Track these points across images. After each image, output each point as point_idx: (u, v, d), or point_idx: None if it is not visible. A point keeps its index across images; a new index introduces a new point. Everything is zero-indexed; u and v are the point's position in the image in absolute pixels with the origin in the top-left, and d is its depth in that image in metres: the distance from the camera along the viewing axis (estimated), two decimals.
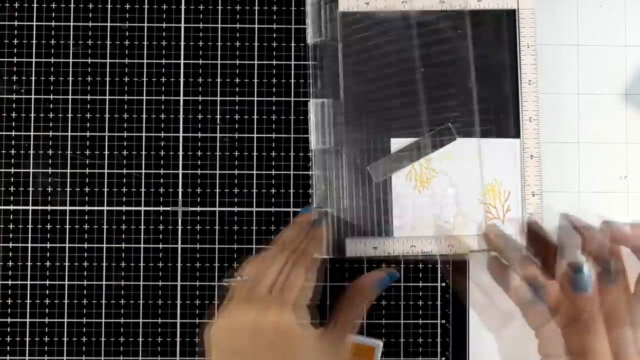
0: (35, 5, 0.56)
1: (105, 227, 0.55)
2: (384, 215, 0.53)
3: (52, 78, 0.55)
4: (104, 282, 0.55)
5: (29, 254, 0.55)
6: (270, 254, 0.48)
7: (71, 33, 0.56)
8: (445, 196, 0.53)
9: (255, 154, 0.56)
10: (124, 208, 0.55)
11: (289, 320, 0.44)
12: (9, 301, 0.55)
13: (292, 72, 0.56)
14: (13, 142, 0.55)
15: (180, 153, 0.55)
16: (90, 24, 0.55)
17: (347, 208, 0.54)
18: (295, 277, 0.46)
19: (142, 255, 0.55)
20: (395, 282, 0.55)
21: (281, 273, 0.46)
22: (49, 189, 0.55)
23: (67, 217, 0.55)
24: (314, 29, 0.55)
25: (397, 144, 0.54)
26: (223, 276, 0.55)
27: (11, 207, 0.55)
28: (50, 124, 0.55)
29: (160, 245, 0.55)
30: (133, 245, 0.55)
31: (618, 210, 0.55)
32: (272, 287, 0.46)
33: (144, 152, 0.55)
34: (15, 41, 0.55)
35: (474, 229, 0.53)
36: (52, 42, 0.55)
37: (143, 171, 0.55)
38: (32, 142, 0.55)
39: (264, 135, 0.56)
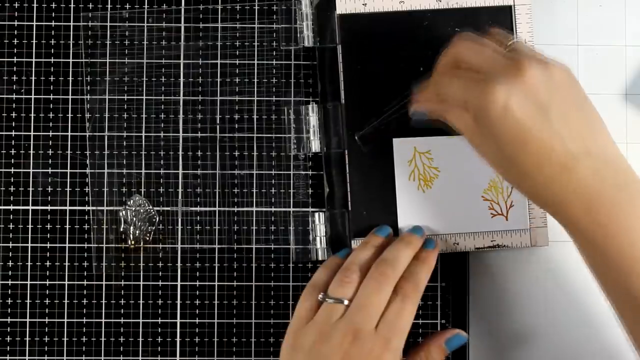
0: (35, 5, 0.56)
1: (105, 227, 0.55)
2: (390, 216, 0.53)
3: (52, 78, 0.55)
4: (104, 282, 0.55)
5: (29, 254, 0.55)
6: (376, 276, 0.45)
7: (71, 33, 0.56)
8: (449, 195, 0.53)
9: (255, 154, 0.56)
10: (123, 208, 0.55)
11: None
12: (9, 301, 0.55)
13: (292, 72, 0.56)
14: (13, 142, 0.55)
15: (180, 153, 0.55)
16: (90, 23, 0.55)
17: (352, 209, 0.54)
18: (406, 315, 0.44)
19: (142, 255, 0.55)
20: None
21: (390, 305, 0.44)
22: (49, 189, 0.55)
23: (67, 217, 0.55)
24: (312, 32, 0.55)
25: (399, 144, 0.54)
26: (223, 276, 0.55)
27: (11, 207, 0.55)
28: (50, 124, 0.55)
29: (160, 245, 0.55)
30: (133, 245, 0.55)
31: None
32: (379, 322, 0.44)
33: (144, 152, 0.55)
34: (15, 41, 0.55)
35: (478, 227, 0.53)
36: (52, 42, 0.56)
37: (143, 171, 0.55)
38: (32, 142, 0.55)
39: (264, 135, 0.56)
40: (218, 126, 0.56)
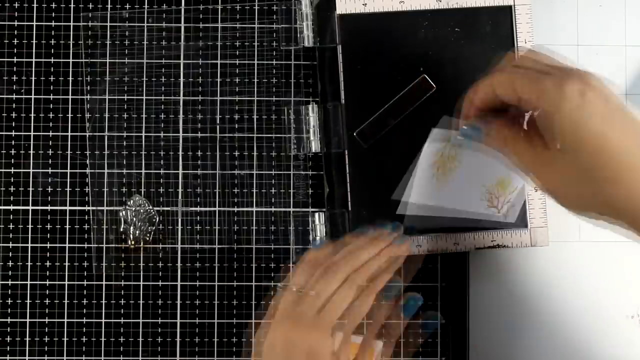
0: (35, 5, 0.56)
1: (105, 227, 0.55)
2: (389, 216, 0.53)
3: (52, 78, 0.55)
4: (104, 282, 0.55)
5: (29, 254, 0.55)
6: (331, 265, 0.46)
7: (71, 33, 0.56)
8: (459, 188, 0.53)
9: (255, 154, 0.56)
10: (123, 208, 0.55)
11: (327, 352, 0.43)
12: (9, 301, 0.55)
13: (292, 72, 0.56)
14: (13, 142, 0.55)
15: (180, 153, 0.55)
16: (90, 23, 0.55)
17: (352, 209, 0.54)
18: (360, 308, 0.45)
19: (142, 255, 0.55)
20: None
21: (342, 297, 0.45)
22: (49, 189, 0.55)
23: (67, 217, 0.55)
24: (312, 32, 0.55)
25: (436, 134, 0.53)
26: (223, 276, 0.55)
27: (11, 207, 0.55)
28: (50, 124, 0.55)
29: (160, 245, 0.55)
30: (133, 245, 0.55)
31: None
32: (322, 309, 0.44)
33: (144, 152, 0.55)
34: (15, 41, 0.55)
35: (478, 218, 0.53)
36: (52, 42, 0.56)
37: (143, 171, 0.55)
38: (32, 142, 0.55)
39: (264, 135, 0.56)
40: (218, 126, 0.56)
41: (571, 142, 0.40)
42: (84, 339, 0.55)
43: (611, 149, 0.39)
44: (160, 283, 0.55)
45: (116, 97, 0.55)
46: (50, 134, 0.55)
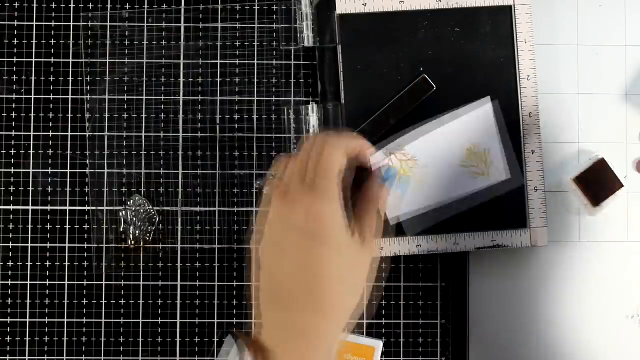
0: (35, 5, 0.56)
1: (105, 227, 0.55)
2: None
3: (52, 78, 0.55)
4: (104, 282, 0.55)
5: (29, 254, 0.55)
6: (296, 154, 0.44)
7: (71, 33, 0.56)
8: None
9: (255, 154, 0.56)
10: (123, 208, 0.55)
11: (327, 211, 0.40)
12: (9, 301, 0.55)
13: (292, 72, 0.56)
14: (13, 142, 0.55)
15: (180, 153, 0.55)
16: (90, 23, 0.55)
17: (351, 208, 0.54)
18: (329, 160, 0.41)
19: (142, 255, 0.55)
20: (396, 281, 0.55)
21: (310, 159, 0.42)
22: (49, 189, 0.55)
23: (67, 217, 0.55)
24: (312, 32, 0.55)
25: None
26: (223, 276, 0.55)
27: (11, 207, 0.55)
28: (50, 124, 0.55)
29: (160, 245, 0.55)
30: (133, 245, 0.55)
31: (618, 210, 0.55)
32: (305, 176, 0.42)
33: (144, 152, 0.55)
34: (15, 41, 0.55)
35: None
36: (52, 42, 0.56)
37: (143, 171, 0.55)
38: (32, 142, 0.55)
39: (264, 135, 0.56)
40: (218, 126, 0.56)
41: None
42: (84, 339, 0.55)
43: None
44: (160, 283, 0.55)
45: (116, 97, 0.55)
46: (50, 134, 0.55)
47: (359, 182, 0.45)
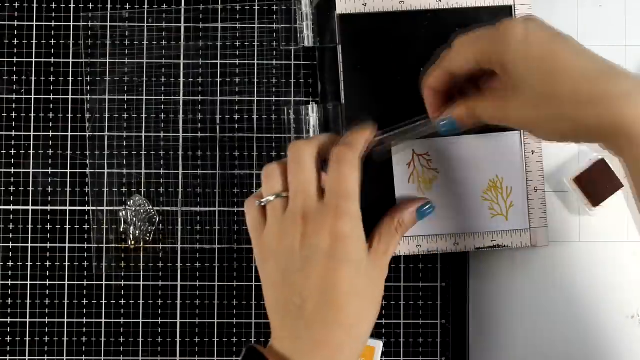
0: (35, 5, 0.56)
1: (105, 227, 0.55)
2: None
3: (52, 78, 0.55)
4: (104, 282, 0.55)
5: (29, 254, 0.55)
6: (294, 156, 0.43)
7: (71, 33, 0.56)
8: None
9: (255, 154, 0.56)
10: (123, 208, 0.55)
11: (348, 230, 0.41)
12: (9, 301, 0.55)
13: (292, 72, 0.56)
14: (13, 142, 0.55)
15: (180, 153, 0.55)
16: (90, 23, 0.55)
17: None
18: (345, 175, 0.42)
19: (142, 255, 0.55)
20: (396, 281, 0.55)
21: (328, 173, 0.43)
22: (49, 189, 0.55)
23: (67, 217, 0.55)
24: (312, 32, 0.55)
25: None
26: (223, 276, 0.55)
27: (11, 207, 0.55)
28: (50, 124, 0.55)
29: (160, 245, 0.55)
30: (133, 245, 0.55)
31: (619, 210, 0.55)
32: (321, 193, 0.42)
33: (144, 152, 0.55)
34: (15, 41, 0.55)
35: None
36: (52, 42, 0.56)
37: (143, 171, 0.55)
38: (32, 142, 0.55)
39: (264, 135, 0.56)
40: (218, 126, 0.56)
41: (524, 73, 0.40)
42: (84, 339, 0.55)
43: (564, 68, 0.40)
44: (160, 283, 0.55)
45: (116, 97, 0.55)
46: (50, 134, 0.55)
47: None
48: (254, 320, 0.55)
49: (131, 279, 0.55)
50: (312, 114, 0.55)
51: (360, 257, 0.43)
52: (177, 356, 0.55)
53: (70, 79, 0.56)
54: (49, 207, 0.55)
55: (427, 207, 0.51)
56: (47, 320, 0.55)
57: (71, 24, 0.56)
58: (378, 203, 0.54)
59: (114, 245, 0.55)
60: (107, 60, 0.55)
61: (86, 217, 0.55)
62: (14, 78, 0.55)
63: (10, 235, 0.55)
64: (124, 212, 0.55)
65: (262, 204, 0.44)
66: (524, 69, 0.40)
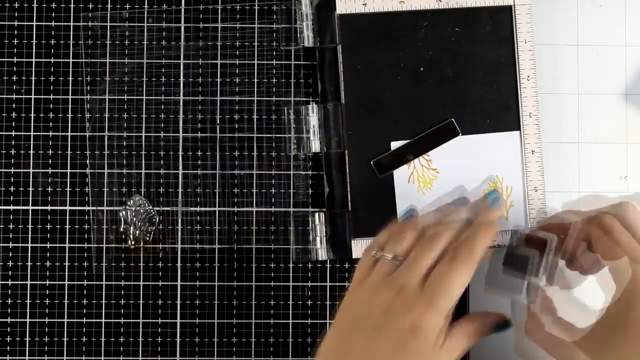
0: (35, 5, 0.56)
1: (105, 227, 0.55)
2: (390, 216, 0.53)
3: (52, 78, 0.56)
4: (104, 282, 0.55)
5: (29, 254, 0.55)
6: (432, 235, 0.44)
7: (71, 33, 0.56)
8: (449, 196, 0.53)
9: (255, 154, 0.56)
10: (123, 208, 0.55)
11: (431, 327, 0.41)
12: (9, 301, 0.55)
13: (292, 72, 0.56)
14: (13, 142, 0.55)
15: (180, 153, 0.55)
16: (90, 23, 0.55)
17: (352, 209, 0.54)
18: (454, 275, 0.42)
19: (142, 255, 0.55)
20: None
21: (439, 264, 0.43)
22: (49, 189, 0.55)
23: (67, 217, 0.55)
24: (312, 32, 0.55)
25: (398, 146, 0.54)
26: (223, 276, 0.55)
27: (11, 207, 0.55)
28: (50, 124, 0.55)
29: (160, 245, 0.55)
30: (133, 245, 0.55)
31: None
32: (425, 280, 0.42)
33: (144, 152, 0.55)
34: (15, 41, 0.55)
35: None
36: (52, 42, 0.56)
37: (143, 171, 0.55)
38: (32, 142, 0.55)
39: (264, 135, 0.56)
40: (218, 126, 0.56)
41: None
42: (84, 339, 0.55)
43: None
44: (160, 283, 0.55)
45: (116, 97, 0.55)
46: (50, 134, 0.55)
47: None
48: (254, 320, 0.55)
49: (131, 279, 0.55)
50: (312, 114, 0.55)
51: (428, 355, 0.42)
52: (177, 356, 0.55)
53: (70, 79, 0.56)
54: (49, 207, 0.55)
55: (504, 324, 0.48)
56: (47, 320, 0.55)
57: (71, 24, 0.56)
58: (378, 203, 0.54)
59: (114, 245, 0.55)
60: (107, 60, 0.55)
61: (86, 217, 0.55)
62: (14, 78, 0.55)
63: (10, 235, 0.55)
64: (124, 212, 0.55)
65: (377, 257, 0.45)
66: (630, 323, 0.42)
